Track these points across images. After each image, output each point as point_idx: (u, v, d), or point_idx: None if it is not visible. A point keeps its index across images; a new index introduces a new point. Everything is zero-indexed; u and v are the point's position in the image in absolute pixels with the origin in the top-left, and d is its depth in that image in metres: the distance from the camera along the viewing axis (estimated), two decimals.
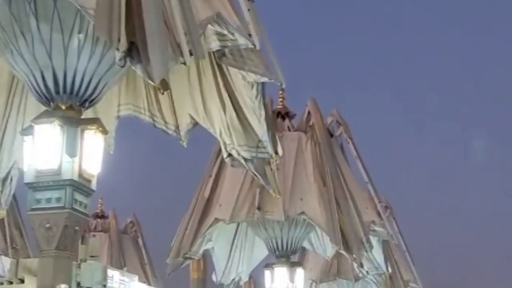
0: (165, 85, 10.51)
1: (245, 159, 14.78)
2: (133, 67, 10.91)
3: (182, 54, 11.05)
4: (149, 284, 27.57)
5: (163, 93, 11.43)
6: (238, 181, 21.67)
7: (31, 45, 12.07)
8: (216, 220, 21.43)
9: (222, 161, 21.78)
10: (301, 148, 21.96)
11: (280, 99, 23.20)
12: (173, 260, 21.53)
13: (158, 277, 29.21)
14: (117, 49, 10.63)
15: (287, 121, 23.06)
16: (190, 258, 21.82)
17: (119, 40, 10.61)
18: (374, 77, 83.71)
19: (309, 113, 22.61)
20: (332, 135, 22.69)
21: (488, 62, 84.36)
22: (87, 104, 12.47)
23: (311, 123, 22.43)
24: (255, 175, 15.22)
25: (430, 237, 56.64)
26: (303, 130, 22.45)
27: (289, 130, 22.78)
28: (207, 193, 21.82)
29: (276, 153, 14.59)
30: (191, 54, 11.11)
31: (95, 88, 12.35)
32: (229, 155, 15.02)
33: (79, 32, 11.95)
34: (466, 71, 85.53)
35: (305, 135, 22.24)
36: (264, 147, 14.49)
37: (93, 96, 12.46)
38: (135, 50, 10.71)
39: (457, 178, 75.59)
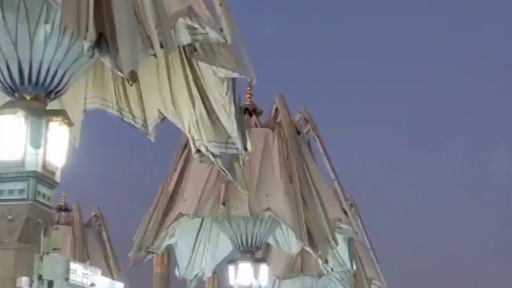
0: (134, 77, 10.36)
1: (214, 155, 14.65)
2: (101, 58, 10.75)
3: (152, 46, 10.92)
4: (112, 277, 27.32)
5: (132, 85, 11.29)
6: (203, 176, 21.49)
7: None
8: (180, 214, 21.24)
9: (188, 156, 21.64)
10: (268, 144, 21.86)
11: (248, 96, 23.08)
12: (135, 254, 21.27)
13: (122, 271, 29.00)
14: (85, 38, 10.45)
15: (254, 118, 22.96)
16: (153, 253, 21.59)
17: (87, 29, 10.42)
18: (343, 74, 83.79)
19: (276, 109, 22.55)
20: (299, 133, 22.62)
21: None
22: (52, 95, 12.24)
23: (278, 120, 22.35)
24: (223, 171, 15.11)
25: (394, 235, 56.93)
26: (271, 127, 22.36)
27: (256, 126, 22.67)
28: (171, 188, 21.62)
29: (246, 149, 14.49)
30: (161, 47, 10.99)
31: (61, 79, 12.13)
32: (198, 150, 14.88)
33: (46, 23, 11.70)
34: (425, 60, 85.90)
35: (272, 132, 22.14)
36: (234, 143, 14.38)
37: (59, 87, 12.23)
38: (103, 41, 10.54)
39: (423, 178, 76.03)
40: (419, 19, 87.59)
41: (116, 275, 28.76)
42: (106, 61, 10.60)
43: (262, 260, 22.85)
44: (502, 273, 58.15)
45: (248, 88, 22.83)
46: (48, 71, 12.03)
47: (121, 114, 14.82)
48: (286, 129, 21.95)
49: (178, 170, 21.93)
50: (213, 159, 14.71)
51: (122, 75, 10.54)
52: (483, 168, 79.54)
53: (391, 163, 77.45)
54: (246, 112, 22.63)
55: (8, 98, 12.35)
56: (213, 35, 12.24)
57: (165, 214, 21.31)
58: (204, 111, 14.12)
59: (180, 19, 11.84)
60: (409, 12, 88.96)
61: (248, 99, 23.04)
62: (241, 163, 14.95)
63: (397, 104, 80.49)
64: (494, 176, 75.86)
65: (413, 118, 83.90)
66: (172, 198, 21.51)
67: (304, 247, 20.57)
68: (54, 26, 11.71)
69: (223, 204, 21.11)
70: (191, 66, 13.76)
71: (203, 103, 14.04)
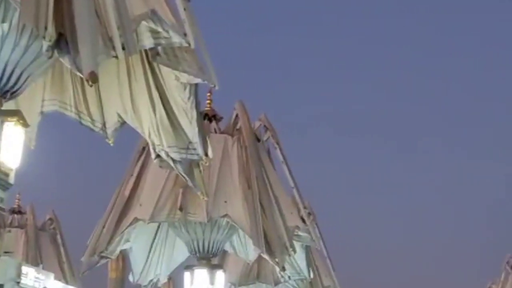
0: (94, 77, 10.11)
1: (174, 160, 14.45)
2: (60, 59, 10.51)
3: (114, 48, 10.72)
4: (66, 282, 26.89)
5: (91, 86, 11.06)
6: (160, 181, 21.15)
7: None
8: (136, 219, 20.85)
9: (145, 161, 21.33)
10: (227, 150, 21.64)
11: (208, 101, 22.85)
12: (89, 259, 20.86)
13: (76, 275, 28.56)
14: (44, 37, 10.23)
15: (214, 124, 22.73)
16: (107, 257, 21.19)
17: (46, 28, 10.19)
18: (306, 76, 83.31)
19: (236, 116, 22.34)
20: (259, 140, 22.47)
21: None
22: (8, 95, 11.93)
23: (238, 126, 22.14)
24: (183, 176, 14.91)
25: (350, 244, 56.75)
26: (230, 133, 22.12)
27: (216, 132, 22.45)
28: (127, 192, 21.25)
29: (206, 155, 14.31)
30: (123, 48, 10.79)
31: (18, 79, 11.85)
32: (158, 156, 14.66)
33: (3, 21, 11.37)
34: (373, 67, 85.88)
35: (232, 138, 21.91)
36: (194, 149, 14.19)
37: (15, 88, 11.95)
38: (63, 41, 10.33)
39: (380, 187, 75.70)
40: (385, 20, 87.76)
41: (70, 279, 28.33)
42: (66, 62, 10.36)
43: (219, 266, 22.59)
44: (463, 280, 58.26)
45: (208, 94, 22.61)
46: (4, 71, 11.70)
47: (79, 117, 14.55)
48: (245, 135, 21.73)
49: (135, 175, 21.59)
50: (173, 165, 14.50)
51: (81, 75, 10.30)
52: (453, 171, 79.35)
53: (356, 168, 77.09)
54: (206, 118, 22.40)
55: None
56: (176, 39, 12.07)
57: (120, 218, 20.92)
58: (165, 116, 13.88)
59: (143, 22, 11.65)
60: (375, 12, 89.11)
61: (208, 105, 22.82)
62: (201, 169, 14.78)
63: (362, 105, 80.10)
64: (465, 181, 75.95)
65: (380, 121, 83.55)
66: (128, 203, 21.14)
67: (262, 254, 20.35)
68: (11, 26, 11.37)
69: (180, 209, 20.81)
70: (152, 70, 13.53)
71: (164, 108, 13.82)
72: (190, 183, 15.13)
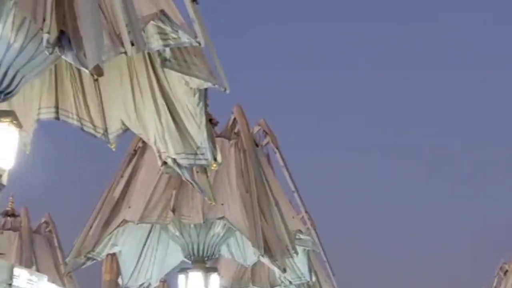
0: (99, 71, 9.24)
1: (180, 167, 13.55)
2: (62, 56, 9.66)
3: (122, 44, 9.89)
4: (63, 284, 25.90)
5: (96, 80, 10.19)
6: (151, 183, 19.97)
7: None
8: (124, 221, 19.61)
9: (137, 163, 20.31)
10: (224, 154, 20.34)
11: None
12: (74, 260, 19.66)
13: (74, 278, 27.51)
14: (42, 29, 9.46)
15: None
16: (93, 259, 19.95)
17: (44, 20, 9.44)
18: (302, 91, 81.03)
19: (234, 120, 21.27)
20: (257, 145, 21.42)
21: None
22: (2, 96, 11.07)
23: (236, 130, 21.10)
24: (191, 183, 14.03)
25: (350, 248, 55.01)
26: (227, 137, 21.01)
27: None
28: (117, 194, 20.05)
29: (215, 159, 13.46)
30: (132, 45, 9.93)
31: (12, 80, 10.99)
32: (164, 163, 13.74)
33: None
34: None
35: (229, 142, 20.81)
36: (203, 154, 13.33)
37: (9, 89, 11.07)
38: (65, 38, 9.54)
39: (378, 193, 73.19)
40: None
41: (68, 282, 27.25)
42: (68, 58, 9.60)
43: (214, 269, 21.45)
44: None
45: None
46: None
47: (81, 124, 13.67)
48: (244, 139, 20.67)
49: (126, 177, 20.40)
50: (179, 171, 13.64)
51: (86, 70, 9.47)
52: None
53: (349, 169, 74.33)
54: None
55: None
56: (185, 39, 11.28)
57: (108, 220, 19.64)
58: (172, 123, 13.01)
59: (152, 23, 10.79)
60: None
61: None
62: (208, 174, 14.02)
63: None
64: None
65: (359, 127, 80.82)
66: (117, 205, 19.87)
67: (261, 256, 19.18)
68: (6, 26, 10.38)
69: (173, 211, 19.71)
70: (157, 77, 12.67)
71: (171, 115, 12.94)
72: (197, 189, 14.28)
